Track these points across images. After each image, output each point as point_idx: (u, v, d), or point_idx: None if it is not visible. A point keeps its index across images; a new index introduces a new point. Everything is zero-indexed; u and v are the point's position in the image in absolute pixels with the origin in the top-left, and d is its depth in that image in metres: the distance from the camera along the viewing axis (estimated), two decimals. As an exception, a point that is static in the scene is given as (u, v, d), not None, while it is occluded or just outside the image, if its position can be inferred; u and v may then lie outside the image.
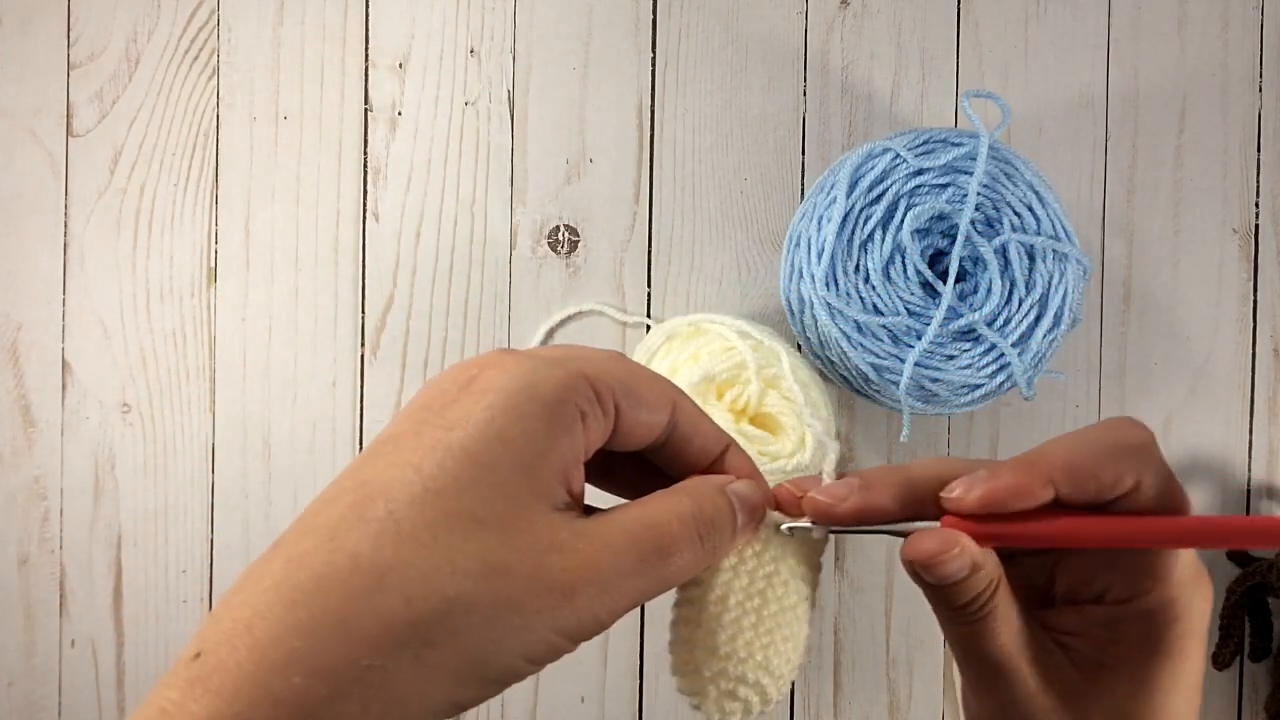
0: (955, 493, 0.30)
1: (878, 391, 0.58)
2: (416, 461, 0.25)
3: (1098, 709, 0.30)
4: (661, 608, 0.65)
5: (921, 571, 0.30)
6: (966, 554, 0.29)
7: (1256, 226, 0.66)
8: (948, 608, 0.31)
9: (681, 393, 0.31)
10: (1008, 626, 0.30)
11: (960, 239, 0.54)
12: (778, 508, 0.32)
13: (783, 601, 0.31)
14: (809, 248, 0.57)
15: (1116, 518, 0.29)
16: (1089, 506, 0.29)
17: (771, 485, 0.33)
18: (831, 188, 0.57)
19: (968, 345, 0.56)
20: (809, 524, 0.32)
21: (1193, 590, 0.30)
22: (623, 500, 0.31)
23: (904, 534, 0.31)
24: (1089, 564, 0.31)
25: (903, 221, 0.55)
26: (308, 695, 0.22)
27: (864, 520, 0.31)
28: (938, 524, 0.30)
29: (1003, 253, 0.56)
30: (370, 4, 0.65)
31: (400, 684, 0.23)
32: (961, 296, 0.57)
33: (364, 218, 0.65)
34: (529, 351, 0.28)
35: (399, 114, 0.65)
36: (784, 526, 0.32)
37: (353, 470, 0.26)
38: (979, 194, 0.55)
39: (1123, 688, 0.30)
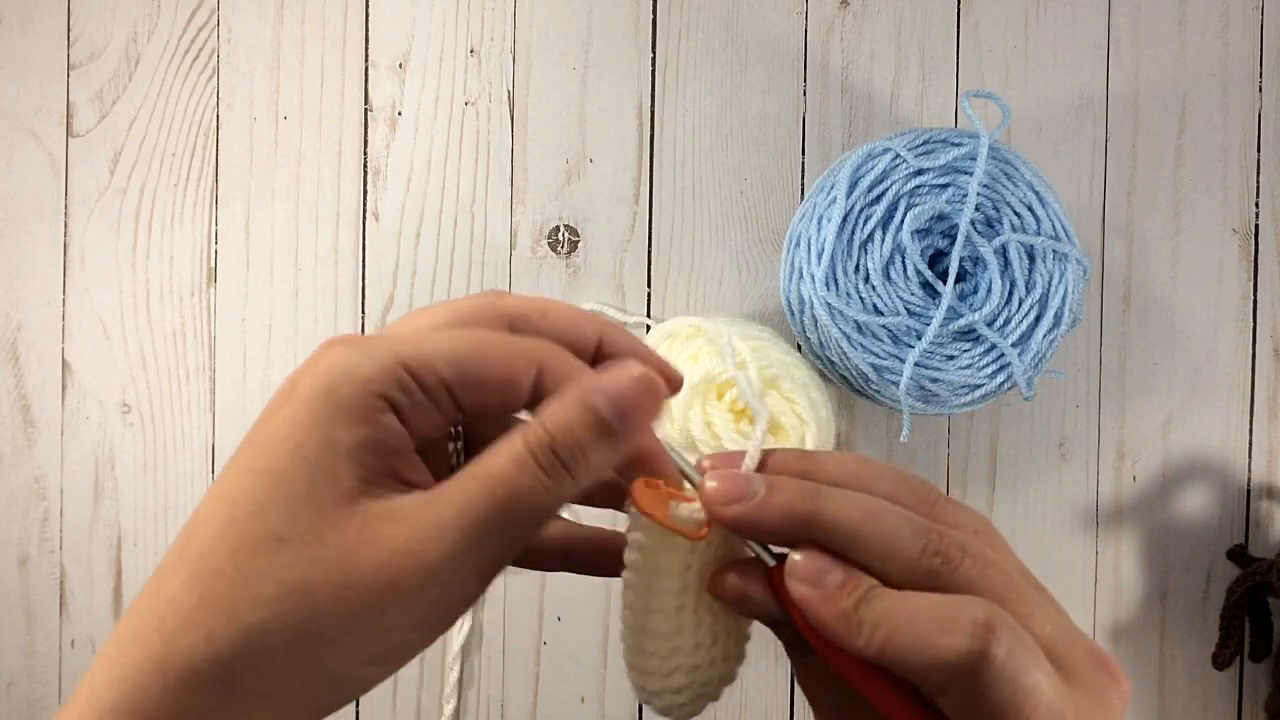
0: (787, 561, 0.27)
1: (878, 391, 0.58)
2: (227, 491, 0.25)
3: None
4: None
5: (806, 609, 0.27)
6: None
7: (1256, 226, 0.66)
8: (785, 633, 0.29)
9: (554, 350, 0.28)
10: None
11: (960, 239, 0.54)
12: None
13: (714, 616, 0.30)
14: (809, 248, 0.57)
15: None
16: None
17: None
18: (831, 188, 0.57)
19: (968, 345, 0.56)
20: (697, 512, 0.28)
21: (1069, 707, 0.25)
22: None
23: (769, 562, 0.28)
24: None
25: (903, 221, 0.55)
26: None
27: (745, 533, 0.28)
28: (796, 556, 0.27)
29: (1003, 253, 0.56)
30: (370, 4, 0.65)
31: (213, 718, 0.24)
32: (961, 296, 0.57)
33: (364, 218, 0.65)
34: (356, 343, 0.27)
35: (399, 114, 0.65)
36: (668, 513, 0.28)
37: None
38: (979, 194, 0.55)
39: None
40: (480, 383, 0.27)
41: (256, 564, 0.24)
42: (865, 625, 0.25)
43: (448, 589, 0.25)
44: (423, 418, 0.27)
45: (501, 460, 0.26)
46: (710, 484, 0.27)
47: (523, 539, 0.26)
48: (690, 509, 0.28)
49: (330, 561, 0.25)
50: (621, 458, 0.28)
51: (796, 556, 0.27)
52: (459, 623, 0.65)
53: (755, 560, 0.29)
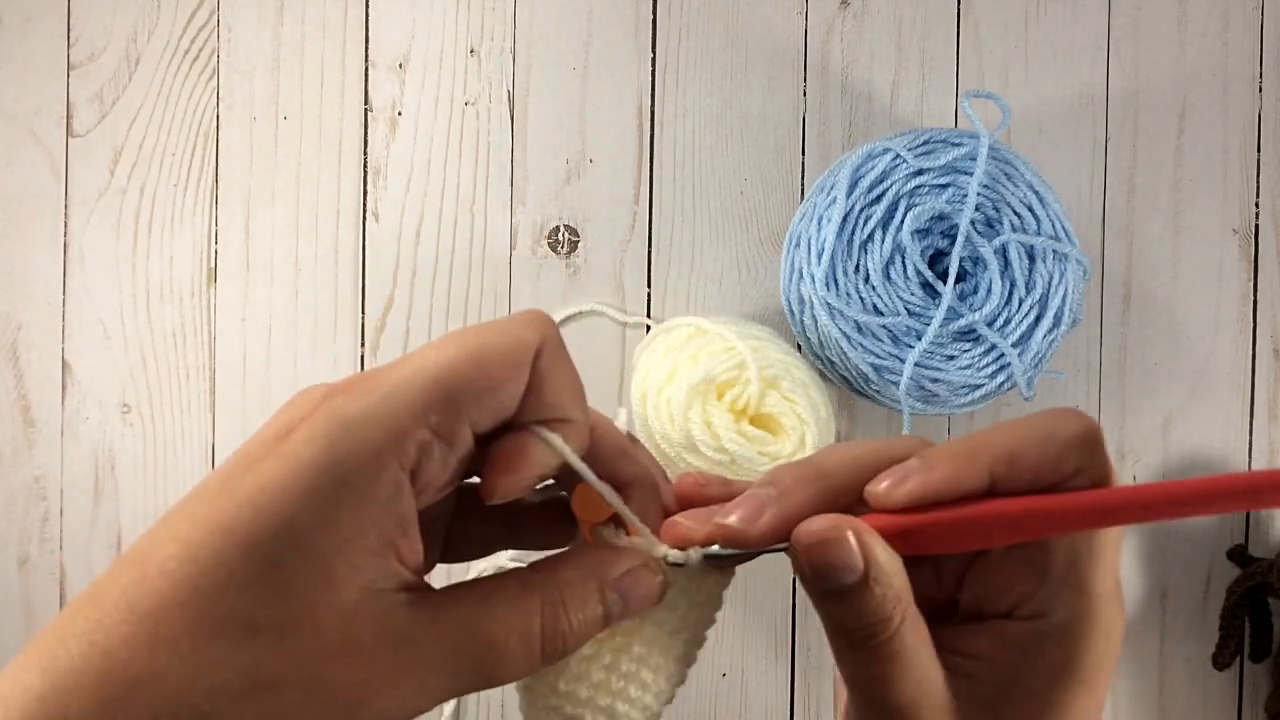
0: (882, 486, 0.26)
1: (878, 392, 0.58)
2: (195, 546, 0.22)
3: None
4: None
5: (806, 562, 0.25)
6: (863, 541, 0.25)
7: (1256, 226, 0.66)
8: (846, 633, 0.26)
9: (546, 330, 0.26)
10: (915, 672, 0.26)
11: (960, 239, 0.54)
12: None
13: (650, 643, 0.28)
14: (809, 248, 0.57)
15: (1061, 496, 0.26)
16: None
17: None
18: (831, 188, 0.57)
19: (968, 345, 0.56)
20: (699, 553, 0.27)
21: (1113, 608, 0.27)
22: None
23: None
24: (1003, 569, 0.27)
25: (903, 222, 0.55)
26: None
27: (782, 536, 0.26)
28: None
29: (1003, 253, 0.56)
30: (370, 4, 0.65)
31: None
32: (961, 297, 0.57)
33: (364, 218, 0.65)
34: (358, 390, 0.24)
35: (399, 114, 0.65)
36: (674, 557, 0.27)
37: (159, 524, 0.23)
38: (979, 194, 0.55)
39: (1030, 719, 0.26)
40: (494, 396, 0.25)
41: (218, 648, 0.21)
42: (974, 455, 0.25)
43: (406, 715, 0.24)
44: (434, 477, 0.25)
45: (508, 634, 0.24)
46: (728, 521, 0.27)
47: (473, 691, 0.25)
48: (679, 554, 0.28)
49: (304, 662, 0.22)
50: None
51: (877, 486, 0.26)
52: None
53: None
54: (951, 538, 0.26)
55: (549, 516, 0.29)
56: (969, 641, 0.27)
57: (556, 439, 0.26)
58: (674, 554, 0.27)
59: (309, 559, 0.22)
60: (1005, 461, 0.25)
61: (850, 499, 0.27)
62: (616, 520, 0.28)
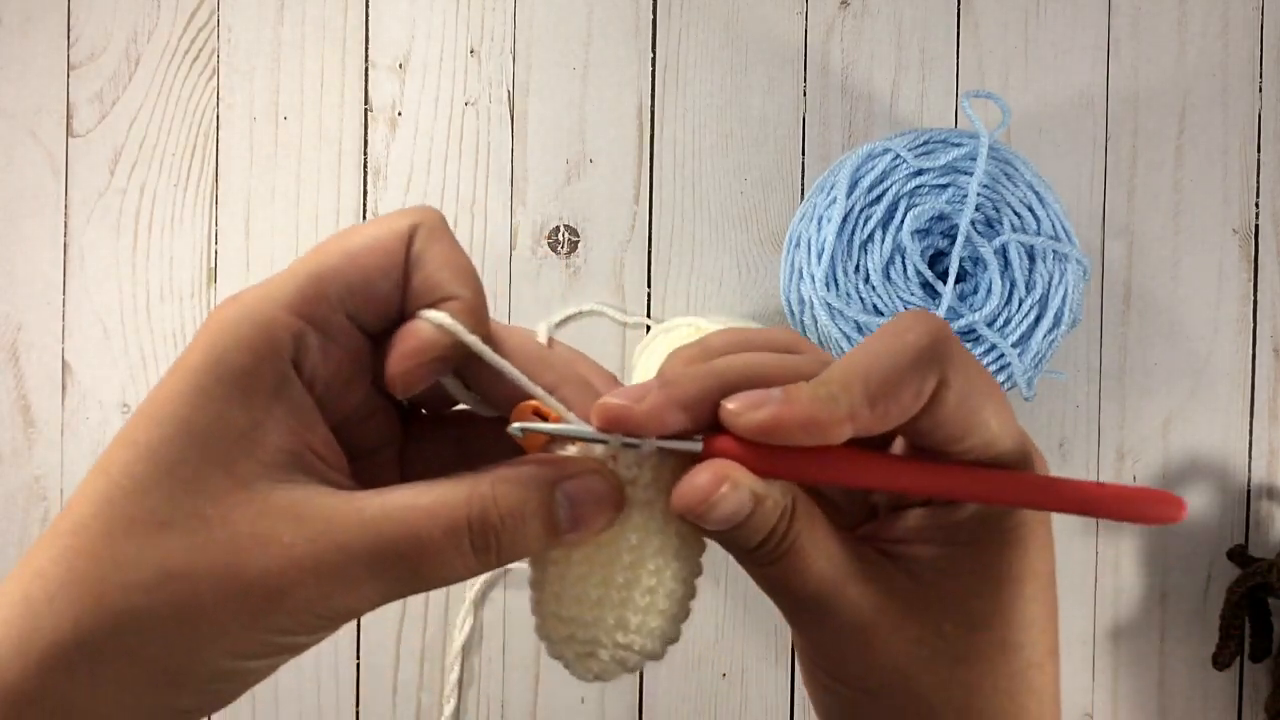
0: (732, 406, 0.25)
1: (878, 392, 0.58)
2: (106, 465, 0.24)
3: (946, 617, 0.26)
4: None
5: (695, 521, 0.25)
6: (743, 488, 0.25)
7: (1256, 226, 0.66)
8: (741, 553, 0.26)
9: (425, 215, 0.26)
10: (820, 553, 0.26)
11: (960, 239, 0.54)
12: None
13: (639, 547, 0.27)
14: (809, 248, 0.57)
15: (930, 467, 0.26)
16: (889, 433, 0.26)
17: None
18: (831, 188, 0.57)
19: (968, 345, 0.56)
20: (602, 437, 0.26)
21: (1022, 459, 0.26)
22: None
23: (690, 449, 0.26)
24: None
25: (903, 222, 0.55)
26: None
27: (672, 419, 0.25)
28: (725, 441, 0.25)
29: (1003, 253, 0.56)
30: (370, 4, 0.65)
31: (83, 703, 0.22)
32: (961, 297, 0.57)
33: (364, 218, 0.65)
34: (241, 299, 0.25)
35: (399, 114, 0.65)
36: (625, 441, 0.26)
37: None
38: (979, 194, 0.55)
39: (969, 586, 0.26)
40: (367, 283, 0.25)
41: (132, 545, 0.23)
42: (838, 393, 0.24)
43: (335, 610, 0.24)
44: (327, 368, 0.25)
45: (432, 524, 0.24)
46: (610, 400, 0.25)
47: (427, 590, 0.25)
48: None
49: (216, 553, 0.23)
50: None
51: (730, 404, 0.25)
52: (460, 621, 0.65)
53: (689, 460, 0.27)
54: (806, 479, 0.26)
55: (503, 447, 0.29)
56: (890, 530, 0.27)
57: (442, 316, 0.25)
58: (620, 438, 0.26)
59: (210, 455, 0.23)
60: (865, 400, 0.24)
61: (731, 379, 0.26)
62: (563, 443, 0.27)
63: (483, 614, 0.65)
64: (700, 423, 0.26)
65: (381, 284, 0.25)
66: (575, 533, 0.26)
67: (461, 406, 0.29)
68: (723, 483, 0.24)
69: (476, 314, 0.26)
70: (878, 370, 0.24)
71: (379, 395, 0.28)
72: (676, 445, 0.26)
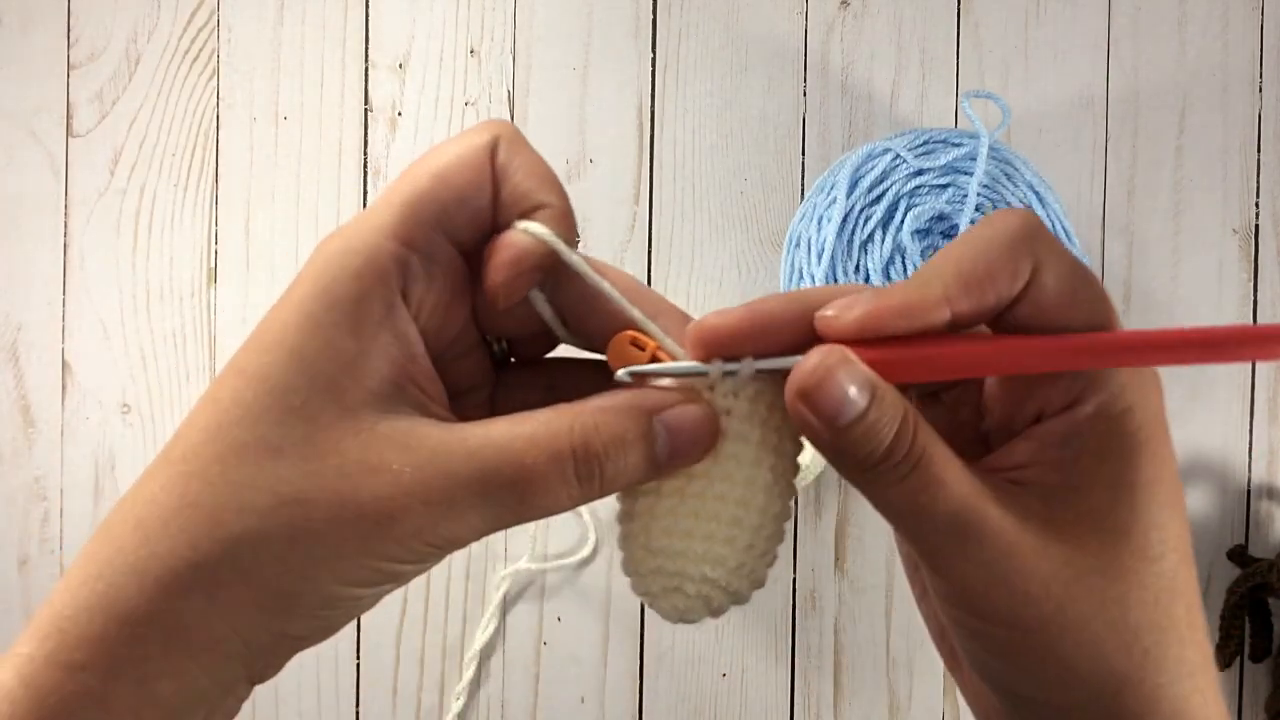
0: (830, 311, 0.25)
1: (878, 392, 0.58)
2: (215, 393, 0.24)
3: (1088, 533, 0.25)
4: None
5: (809, 408, 0.24)
6: (856, 368, 0.24)
7: (1256, 226, 0.66)
8: (866, 471, 0.24)
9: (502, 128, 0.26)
10: (954, 471, 0.24)
11: (960, 239, 0.54)
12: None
13: (731, 478, 0.27)
14: (809, 248, 0.57)
15: (1038, 339, 0.25)
16: (992, 321, 0.25)
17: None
18: (831, 188, 0.57)
19: (968, 345, 0.56)
20: (703, 367, 0.26)
21: (1140, 380, 0.26)
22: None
23: (789, 368, 0.25)
24: (1016, 385, 0.27)
25: (903, 222, 0.55)
26: (107, 636, 0.23)
27: (760, 339, 0.25)
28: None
29: (1003, 253, 0.56)
30: (370, 4, 0.65)
31: (198, 624, 0.23)
32: (961, 297, 0.57)
33: (364, 218, 0.65)
34: (347, 231, 0.25)
35: (399, 114, 0.65)
36: (724, 368, 0.26)
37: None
38: (979, 194, 0.55)
39: (1101, 501, 0.25)
40: (461, 201, 0.25)
41: (246, 471, 0.23)
42: (931, 278, 0.24)
43: (443, 538, 0.24)
44: (432, 299, 0.25)
45: (537, 452, 0.24)
46: (707, 322, 0.26)
47: (530, 520, 0.25)
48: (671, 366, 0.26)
49: (328, 480, 0.23)
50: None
51: (827, 310, 0.25)
52: (483, 624, 0.65)
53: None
54: (920, 372, 0.25)
55: (592, 383, 0.29)
56: (1009, 457, 0.26)
57: (536, 225, 0.26)
58: (721, 365, 0.26)
59: (319, 383, 0.23)
60: (958, 284, 0.24)
61: (816, 300, 0.26)
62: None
63: (507, 617, 0.65)
64: (794, 347, 0.25)
65: (474, 199, 0.26)
66: (673, 462, 0.26)
67: (553, 354, 0.30)
68: (836, 357, 0.24)
69: (566, 220, 0.27)
70: (970, 256, 0.24)
71: (475, 331, 0.28)
72: (775, 364, 0.25)
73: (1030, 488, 0.26)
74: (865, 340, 0.24)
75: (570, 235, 0.27)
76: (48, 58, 0.65)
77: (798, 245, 0.58)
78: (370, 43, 0.65)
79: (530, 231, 0.26)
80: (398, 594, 0.65)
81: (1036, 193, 0.56)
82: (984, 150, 0.54)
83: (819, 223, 0.57)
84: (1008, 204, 0.56)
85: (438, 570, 0.65)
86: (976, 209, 0.56)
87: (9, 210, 0.65)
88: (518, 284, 0.26)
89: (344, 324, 0.24)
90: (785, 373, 0.25)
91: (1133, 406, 0.25)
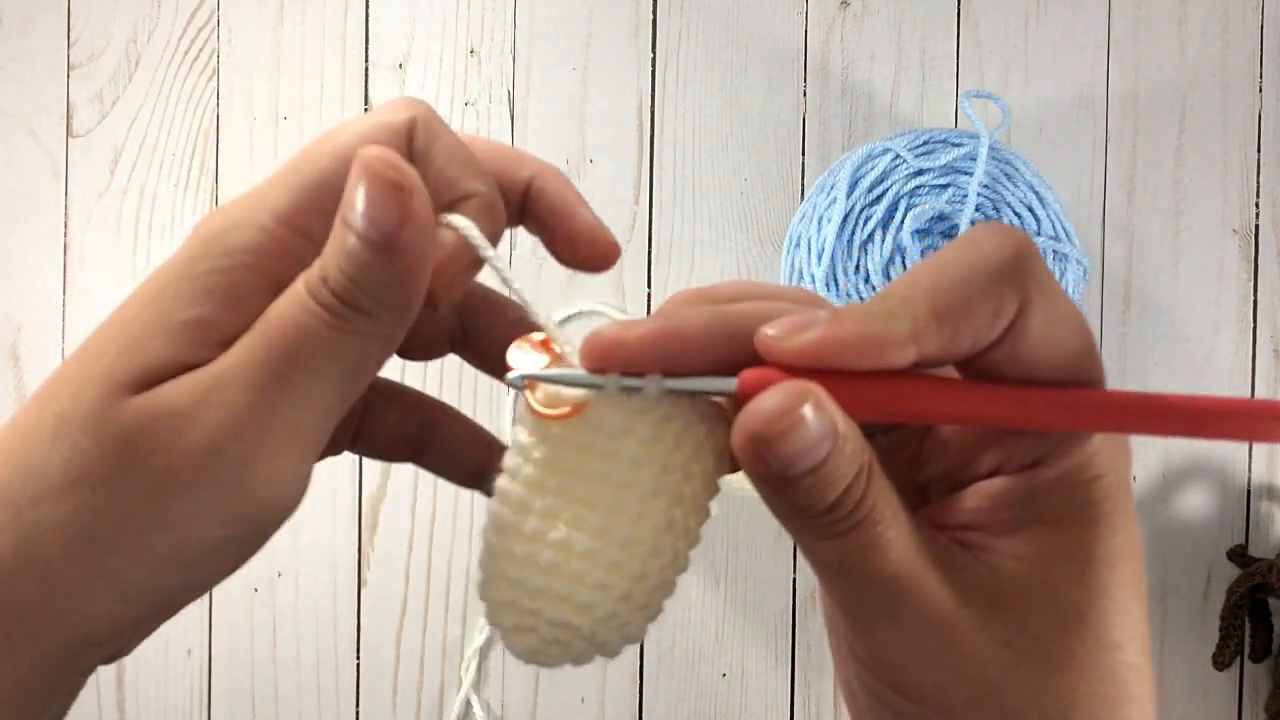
0: (772, 331, 0.21)
1: (878, 392, 0.58)
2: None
3: (1034, 612, 0.22)
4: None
5: (764, 454, 0.20)
6: (827, 413, 0.20)
7: (1256, 226, 0.66)
8: (812, 516, 0.21)
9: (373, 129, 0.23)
10: (899, 530, 0.21)
11: (960, 239, 0.54)
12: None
13: (617, 511, 0.22)
14: (809, 248, 0.57)
15: (1012, 390, 0.21)
16: (961, 362, 0.22)
17: None
18: (832, 188, 0.57)
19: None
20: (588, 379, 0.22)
21: (1113, 445, 0.23)
22: None
23: (708, 391, 0.22)
24: (974, 436, 0.23)
25: (903, 222, 0.55)
26: None
27: (674, 359, 0.22)
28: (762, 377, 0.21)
29: (1003, 253, 0.56)
30: (370, 4, 0.65)
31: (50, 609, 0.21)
32: (961, 297, 0.57)
33: (364, 218, 0.65)
34: (228, 207, 0.23)
35: (399, 114, 0.65)
36: (626, 384, 0.22)
37: None
38: (979, 194, 0.55)
39: (1056, 574, 0.22)
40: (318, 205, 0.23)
41: (40, 450, 0.21)
42: (898, 309, 0.20)
43: (242, 467, 0.21)
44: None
45: (279, 304, 0.22)
46: (603, 333, 0.22)
47: (330, 397, 0.22)
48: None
49: (109, 448, 0.21)
50: (417, 283, 0.22)
51: (770, 329, 0.21)
52: (481, 622, 0.65)
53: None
54: (868, 411, 0.22)
55: (468, 436, 0.28)
56: (954, 513, 0.23)
57: (459, 219, 0.23)
58: (618, 380, 0.22)
59: (124, 349, 0.22)
60: (931, 319, 0.20)
61: (747, 344, 0.22)
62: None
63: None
64: (710, 365, 0.22)
65: None
66: (399, 244, 0.22)
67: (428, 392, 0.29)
68: (805, 401, 0.20)
69: (493, 211, 0.24)
70: (947, 283, 0.20)
71: None
72: (691, 386, 0.22)
73: (977, 553, 0.22)
74: (811, 369, 0.21)
75: (497, 228, 0.25)
76: (48, 58, 0.65)
77: (798, 245, 0.58)
78: (370, 43, 0.65)
79: (455, 226, 0.23)
80: (398, 594, 0.65)
81: (1036, 193, 0.56)
82: (984, 150, 0.54)
83: (819, 223, 0.57)
84: (1008, 204, 0.56)
85: (438, 570, 0.65)
86: (976, 209, 0.56)
87: (9, 210, 0.65)
88: (454, 285, 0.24)
89: (184, 291, 0.22)
90: (699, 395, 0.22)
91: (1102, 474, 0.22)
